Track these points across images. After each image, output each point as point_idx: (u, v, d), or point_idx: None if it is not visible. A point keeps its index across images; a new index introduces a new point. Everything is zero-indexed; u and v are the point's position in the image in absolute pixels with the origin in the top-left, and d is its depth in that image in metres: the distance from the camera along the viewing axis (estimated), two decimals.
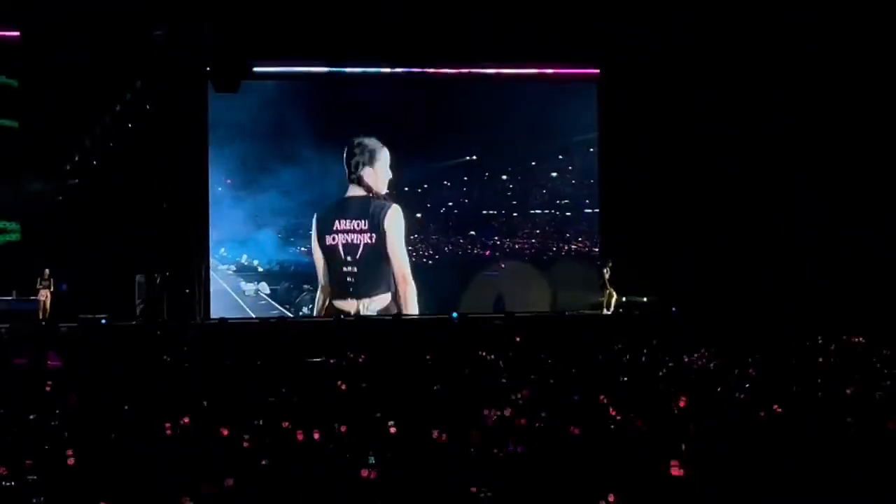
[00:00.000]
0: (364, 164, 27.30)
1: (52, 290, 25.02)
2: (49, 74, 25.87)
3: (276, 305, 27.23)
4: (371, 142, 27.41)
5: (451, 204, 28.71)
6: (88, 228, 25.96)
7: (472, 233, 28.85)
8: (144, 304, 25.84)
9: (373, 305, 27.01)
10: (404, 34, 27.15)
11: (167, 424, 14.76)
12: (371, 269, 27.28)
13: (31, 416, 15.60)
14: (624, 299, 27.78)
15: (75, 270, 25.50)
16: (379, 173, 27.41)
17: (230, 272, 27.39)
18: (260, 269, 27.45)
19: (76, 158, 26.64)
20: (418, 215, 28.34)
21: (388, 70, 28.42)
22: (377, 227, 27.37)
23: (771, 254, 28.71)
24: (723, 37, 27.85)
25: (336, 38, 27.00)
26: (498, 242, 28.94)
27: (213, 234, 27.24)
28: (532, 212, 29.14)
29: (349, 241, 27.34)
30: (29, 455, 13.26)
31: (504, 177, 28.96)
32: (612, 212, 29.34)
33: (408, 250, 27.88)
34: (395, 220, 27.44)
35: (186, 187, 26.85)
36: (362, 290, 27.13)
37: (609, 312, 27.48)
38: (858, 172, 28.05)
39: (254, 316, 26.62)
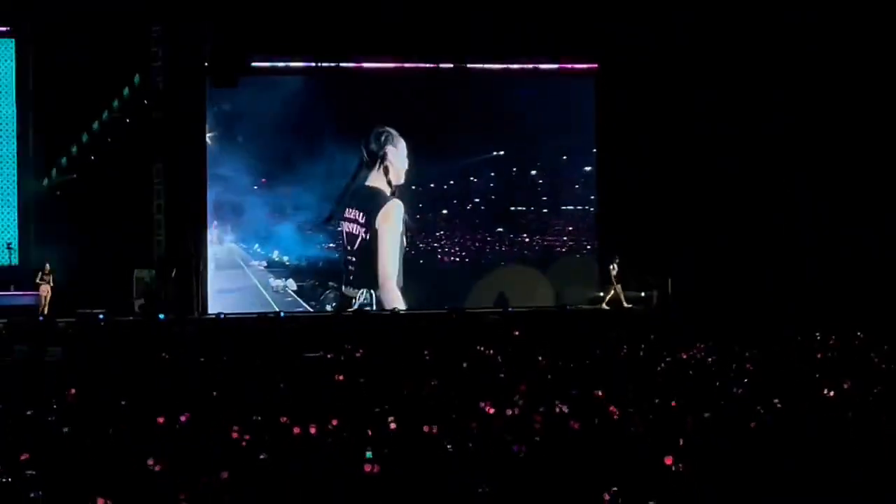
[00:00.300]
0: (387, 143, 27.42)
1: (52, 284, 25.02)
2: (47, 69, 25.88)
3: (302, 302, 27.50)
4: (392, 129, 27.60)
5: (477, 200, 28.71)
6: (86, 224, 25.96)
7: (500, 229, 28.86)
8: (145, 300, 25.89)
9: (364, 298, 27.34)
10: (404, 30, 27.16)
11: (161, 419, 14.75)
12: (364, 263, 27.52)
13: (29, 412, 15.60)
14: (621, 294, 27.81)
15: (73, 265, 25.49)
16: (400, 155, 27.56)
17: (261, 268, 27.60)
18: (288, 265, 27.70)
19: (74, 153, 26.64)
20: (444, 212, 28.38)
21: (393, 65, 28.41)
22: (370, 223, 27.48)
23: (771, 253, 28.67)
24: (722, 34, 27.83)
25: (336, 33, 27.04)
26: (527, 239, 29.02)
27: (244, 230, 27.61)
28: (564, 208, 29.30)
29: (350, 230, 27.63)
30: (27, 450, 13.26)
31: (533, 172, 29.04)
32: (609, 209, 29.34)
33: (433, 248, 28.11)
34: (388, 220, 27.41)
35: (184, 183, 26.84)
36: (357, 282, 27.45)
37: (608, 308, 27.42)
38: (858, 172, 28.03)
39: (279, 311, 26.74)
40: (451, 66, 28.68)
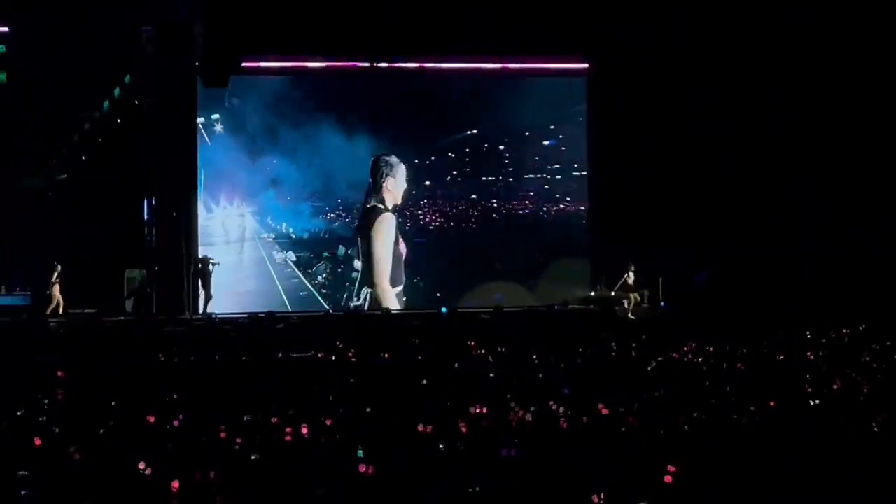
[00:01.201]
0: (387, 175, 29.37)
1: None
2: (38, 69, 25.87)
3: (299, 273, 29.20)
4: (393, 158, 29.51)
5: (455, 172, 30.49)
6: (77, 224, 25.96)
7: (474, 196, 30.62)
8: (136, 300, 25.93)
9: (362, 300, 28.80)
10: (396, 28, 27.26)
11: (152, 419, 14.71)
12: (363, 268, 29.15)
13: (20, 412, 15.56)
14: (613, 294, 27.81)
15: (64, 266, 25.48)
16: (399, 183, 29.47)
17: (269, 240, 29.22)
18: (294, 237, 29.40)
19: (64, 154, 26.64)
20: (427, 182, 30.28)
21: (385, 64, 28.97)
22: (367, 230, 29.11)
23: (770, 253, 28.66)
24: (720, 33, 27.84)
25: (330, 31, 27.13)
26: (496, 205, 30.58)
27: (258, 204, 29.30)
28: (527, 176, 30.88)
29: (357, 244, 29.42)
30: (18, 450, 13.23)
31: (501, 147, 30.69)
32: (605, 207, 29.37)
33: (416, 214, 30.08)
34: (379, 227, 29.16)
35: (175, 181, 26.88)
36: (360, 286, 29.00)
37: (633, 317, 27.38)
38: (858, 172, 28.06)
39: (286, 301, 28.14)
40: (440, 65, 28.95)
